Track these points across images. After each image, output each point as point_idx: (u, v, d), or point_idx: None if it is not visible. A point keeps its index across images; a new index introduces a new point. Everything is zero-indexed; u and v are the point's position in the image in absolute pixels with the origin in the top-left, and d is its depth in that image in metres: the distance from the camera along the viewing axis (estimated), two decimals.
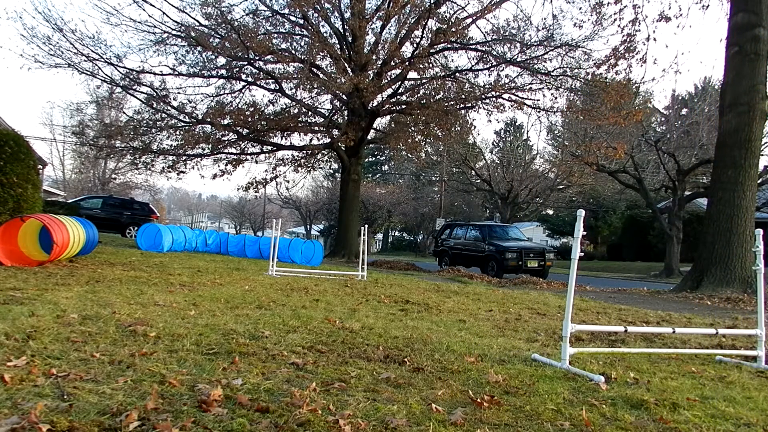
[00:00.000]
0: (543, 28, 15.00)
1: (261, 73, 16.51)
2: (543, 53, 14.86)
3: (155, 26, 15.53)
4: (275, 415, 1.81)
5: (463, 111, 17.31)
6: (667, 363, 3.28)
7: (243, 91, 17.75)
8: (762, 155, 14.67)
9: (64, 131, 35.44)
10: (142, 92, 16.57)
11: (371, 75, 15.90)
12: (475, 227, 16.54)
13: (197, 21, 15.77)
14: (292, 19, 16.81)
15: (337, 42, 16.72)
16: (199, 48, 15.61)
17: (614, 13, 13.57)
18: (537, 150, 34.95)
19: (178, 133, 17.21)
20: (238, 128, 16.65)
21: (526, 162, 30.79)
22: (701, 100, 27.41)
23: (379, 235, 48.02)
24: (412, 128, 18.09)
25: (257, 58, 15.58)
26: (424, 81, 16.49)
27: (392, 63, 16.14)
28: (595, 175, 24.42)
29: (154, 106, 16.59)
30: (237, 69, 16.55)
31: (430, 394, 2.22)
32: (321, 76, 15.99)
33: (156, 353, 2.54)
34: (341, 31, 16.74)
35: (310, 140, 18.63)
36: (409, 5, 15.49)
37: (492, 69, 15.90)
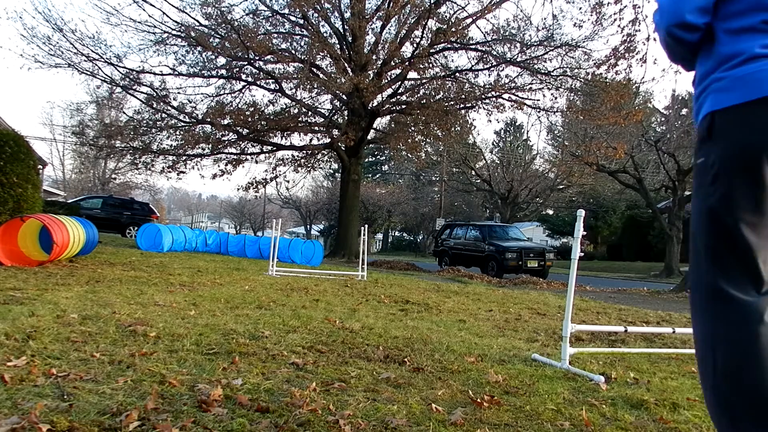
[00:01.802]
0: (543, 28, 15.00)
1: (261, 73, 16.51)
2: (543, 53, 14.85)
3: (155, 26, 15.55)
4: (275, 415, 1.81)
5: (463, 111, 17.31)
6: (667, 363, 3.28)
7: (243, 91, 17.75)
8: None
9: (64, 131, 35.48)
10: (142, 92, 16.57)
11: (371, 75, 15.90)
12: (475, 227, 16.54)
13: (197, 21, 15.78)
14: (292, 19, 16.81)
15: (337, 42, 16.72)
16: (199, 48, 15.61)
17: (614, 13, 13.56)
18: (537, 150, 34.98)
19: (178, 133, 17.21)
20: (238, 128, 16.64)
21: (526, 162, 30.79)
22: None
23: (379, 235, 48.01)
24: (412, 128, 18.08)
25: (257, 58, 15.58)
26: (424, 81, 16.48)
27: (392, 63, 16.14)
28: (595, 175, 24.41)
29: (154, 106, 16.59)
30: (237, 69, 16.55)
31: (430, 394, 2.22)
32: (321, 76, 15.99)
33: (156, 353, 2.54)
34: (341, 31, 16.74)
35: (310, 140, 18.63)
36: (409, 5, 15.48)
37: (492, 69, 15.90)
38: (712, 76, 1.37)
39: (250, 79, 17.01)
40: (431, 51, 15.62)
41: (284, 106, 17.92)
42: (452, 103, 16.38)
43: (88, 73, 15.50)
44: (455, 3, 16.04)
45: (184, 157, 17.57)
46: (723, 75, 1.33)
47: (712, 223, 1.33)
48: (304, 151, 18.91)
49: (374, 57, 16.23)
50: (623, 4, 13.06)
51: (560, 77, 14.99)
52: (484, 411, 2.04)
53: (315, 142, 18.46)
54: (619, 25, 13.52)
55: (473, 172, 31.75)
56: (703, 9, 1.33)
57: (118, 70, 15.95)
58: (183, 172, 18.02)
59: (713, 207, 1.32)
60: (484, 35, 16.36)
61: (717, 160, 1.32)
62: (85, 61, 15.18)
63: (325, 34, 16.25)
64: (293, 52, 16.53)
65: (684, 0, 1.33)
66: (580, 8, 25.20)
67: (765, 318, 1.26)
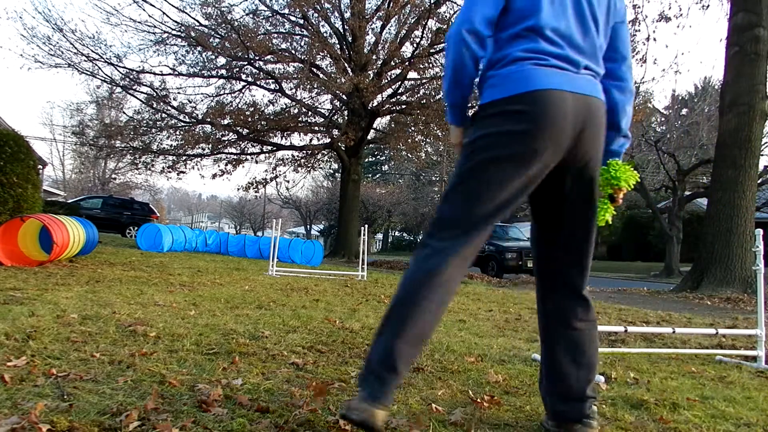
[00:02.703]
0: None
1: (261, 73, 16.52)
2: None
3: (155, 26, 15.59)
4: (275, 415, 1.81)
5: None
6: (667, 363, 3.28)
7: (243, 91, 17.77)
8: (762, 155, 14.68)
9: (64, 131, 35.52)
10: (142, 92, 16.58)
11: (371, 75, 15.91)
12: None
13: (197, 21, 15.80)
14: (292, 19, 16.83)
15: (337, 42, 16.72)
16: (199, 48, 15.62)
17: None
18: None
19: (178, 133, 17.22)
20: (238, 128, 16.65)
21: None
22: (701, 100, 27.41)
23: (379, 235, 48.00)
24: (412, 128, 18.09)
25: (257, 58, 15.59)
26: (424, 81, 16.49)
27: (392, 63, 16.15)
28: None
29: (154, 106, 16.61)
30: (237, 69, 16.56)
31: (430, 394, 2.22)
32: (321, 76, 15.99)
33: (156, 353, 2.54)
34: (341, 31, 16.74)
35: (310, 140, 18.64)
36: (409, 5, 15.49)
37: None
38: (487, 74, 1.65)
39: (250, 79, 17.02)
40: (431, 51, 15.63)
41: (284, 106, 17.95)
42: None
43: (88, 73, 15.53)
44: (455, 3, 16.04)
45: (184, 157, 17.59)
46: (494, 73, 1.63)
47: (450, 193, 1.65)
48: (304, 151, 18.91)
49: (374, 57, 16.24)
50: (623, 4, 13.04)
51: None
52: (484, 411, 2.04)
53: (315, 142, 18.48)
54: None
55: None
56: (490, 21, 1.58)
57: (118, 70, 15.99)
58: (183, 172, 18.05)
59: (459, 180, 1.62)
60: None
61: (477, 141, 1.61)
62: (85, 61, 15.22)
63: (325, 34, 16.26)
64: (293, 52, 16.54)
65: (475, 11, 1.57)
66: None
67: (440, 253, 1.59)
